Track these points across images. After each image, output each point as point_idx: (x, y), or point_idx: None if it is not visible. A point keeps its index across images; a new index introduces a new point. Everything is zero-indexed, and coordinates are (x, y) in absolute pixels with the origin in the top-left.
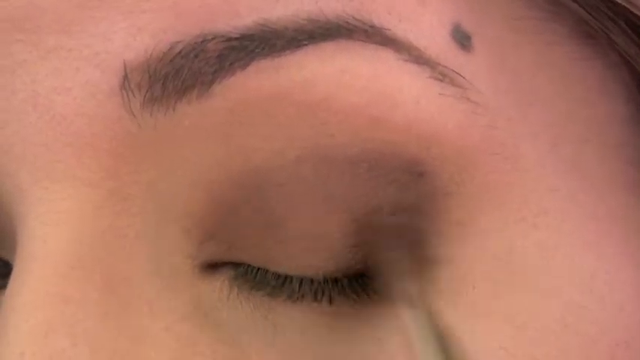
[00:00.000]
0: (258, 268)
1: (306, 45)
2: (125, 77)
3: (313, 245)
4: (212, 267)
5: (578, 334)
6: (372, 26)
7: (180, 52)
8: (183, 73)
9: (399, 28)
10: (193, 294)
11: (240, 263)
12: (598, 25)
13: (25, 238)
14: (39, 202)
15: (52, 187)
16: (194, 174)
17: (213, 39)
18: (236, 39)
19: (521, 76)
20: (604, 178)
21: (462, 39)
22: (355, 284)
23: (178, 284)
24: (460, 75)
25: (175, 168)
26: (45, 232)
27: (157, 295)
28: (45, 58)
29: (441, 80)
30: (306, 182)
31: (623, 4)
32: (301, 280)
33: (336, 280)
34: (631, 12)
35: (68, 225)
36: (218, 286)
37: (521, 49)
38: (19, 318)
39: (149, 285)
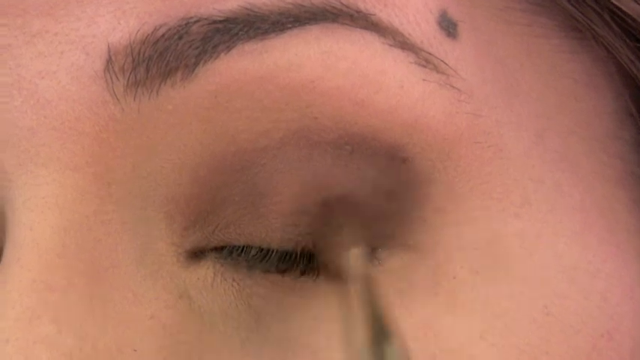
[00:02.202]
0: (242, 248)
1: (290, 28)
2: (109, 60)
3: (292, 220)
4: (196, 255)
5: (561, 324)
6: (358, 11)
7: (164, 35)
8: (167, 55)
9: (385, 13)
10: (178, 282)
11: (223, 247)
12: (583, 19)
13: (12, 225)
14: (24, 187)
15: (37, 171)
16: (178, 158)
17: (197, 21)
18: (220, 22)
19: (507, 66)
20: (591, 171)
21: (448, 26)
22: (329, 261)
23: (163, 272)
24: (444, 62)
25: (159, 152)
26: (30, 219)
27: (142, 283)
28: (30, 42)
29: (425, 66)
30: (290, 162)
31: None
32: (280, 254)
33: (312, 256)
34: (615, 5)
35: (53, 211)
36: (202, 274)
37: (508, 40)
38: (5, 305)
39: (134, 273)
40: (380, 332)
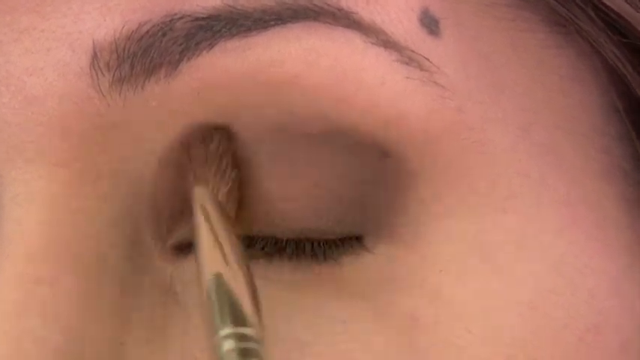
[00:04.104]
0: None
1: (273, 26)
2: (94, 57)
3: (277, 207)
4: (182, 249)
5: (548, 319)
6: (340, 9)
7: (148, 32)
8: (151, 52)
9: (367, 11)
10: (164, 276)
11: None
12: (567, 13)
13: (1, 220)
14: (13, 183)
15: (25, 167)
16: (163, 154)
17: (180, 18)
18: (203, 19)
19: (492, 61)
20: (577, 165)
21: (430, 24)
22: (317, 248)
23: (150, 267)
24: (427, 59)
25: (144, 148)
26: (18, 214)
27: (129, 276)
28: (18, 39)
29: (408, 64)
30: (271, 154)
31: None
32: (266, 241)
33: (299, 242)
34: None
35: (40, 206)
36: (188, 267)
37: (493, 35)
38: None
39: (121, 267)
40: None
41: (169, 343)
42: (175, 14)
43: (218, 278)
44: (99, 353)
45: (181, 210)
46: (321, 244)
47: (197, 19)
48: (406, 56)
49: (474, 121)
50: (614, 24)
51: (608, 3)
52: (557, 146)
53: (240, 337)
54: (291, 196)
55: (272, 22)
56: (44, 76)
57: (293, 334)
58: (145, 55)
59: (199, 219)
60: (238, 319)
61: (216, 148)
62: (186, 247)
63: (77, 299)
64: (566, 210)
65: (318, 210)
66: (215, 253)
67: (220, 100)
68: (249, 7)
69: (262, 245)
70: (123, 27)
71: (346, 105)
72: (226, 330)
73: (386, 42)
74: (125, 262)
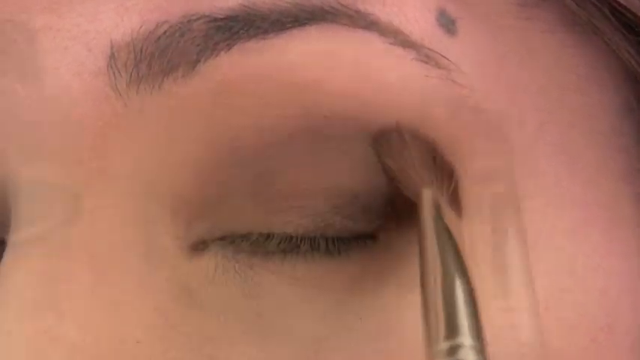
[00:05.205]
0: (243, 236)
1: (290, 28)
2: (112, 56)
3: (296, 204)
4: (199, 247)
5: (560, 318)
6: (357, 11)
7: (166, 32)
8: (168, 52)
9: (384, 13)
10: (181, 274)
11: (225, 236)
12: (583, 13)
13: (15, 219)
14: (28, 182)
15: (41, 165)
16: (181, 153)
17: (198, 19)
18: (221, 19)
19: (509, 60)
20: (593, 165)
21: (447, 23)
22: (331, 245)
23: (166, 265)
24: (445, 57)
25: (162, 147)
26: (34, 212)
27: (145, 275)
28: (34, 38)
29: (426, 62)
30: (297, 155)
31: None
32: (281, 237)
33: (314, 239)
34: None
35: (56, 205)
36: (204, 266)
37: (509, 35)
38: (7, 298)
39: (137, 266)
40: (454, 270)
41: (184, 340)
42: (193, 15)
43: (463, 287)
44: (115, 351)
45: (199, 209)
46: (336, 241)
47: (215, 19)
48: (423, 54)
49: (491, 120)
50: (629, 23)
51: (623, 2)
52: (572, 146)
53: (479, 351)
54: (309, 193)
55: (289, 24)
56: (60, 75)
57: (308, 331)
58: (162, 55)
59: (432, 223)
60: (478, 330)
61: (426, 149)
62: (202, 245)
63: (93, 297)
64: (580, 210)
65: (335, 207)
66: (458, 260)
67: (239, 101)
68: (265, 8)
69: (278, 241)
70: (141, 27)
71: (368, 107)
72: (469, 341)
73: (404, 42)
74: (141, 259)
